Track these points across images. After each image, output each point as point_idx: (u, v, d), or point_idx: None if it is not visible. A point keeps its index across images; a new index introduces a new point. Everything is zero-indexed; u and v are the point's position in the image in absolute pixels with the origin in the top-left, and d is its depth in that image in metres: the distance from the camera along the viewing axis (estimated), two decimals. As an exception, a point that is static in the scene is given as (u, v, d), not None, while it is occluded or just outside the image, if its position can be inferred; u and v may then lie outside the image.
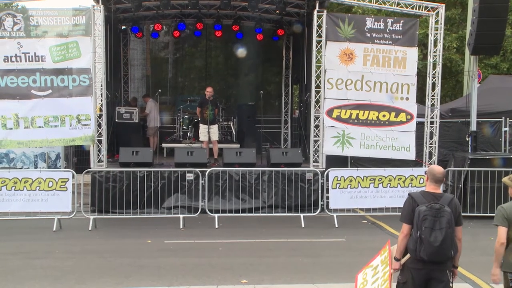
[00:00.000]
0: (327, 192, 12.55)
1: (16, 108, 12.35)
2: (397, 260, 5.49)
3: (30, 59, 12.36)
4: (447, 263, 5.34)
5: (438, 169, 5.59)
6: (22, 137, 12.43)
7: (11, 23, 12.29)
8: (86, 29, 12.45)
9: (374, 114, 13.22)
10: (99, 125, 12.80)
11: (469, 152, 14.32)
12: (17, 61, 12.34)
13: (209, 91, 14.47)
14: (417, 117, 13.42)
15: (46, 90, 12.43)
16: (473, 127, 14.35)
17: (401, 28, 13.17)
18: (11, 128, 12.35)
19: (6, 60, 12.33)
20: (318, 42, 13.15)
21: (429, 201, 5.34)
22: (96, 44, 12.63)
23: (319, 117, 13.27)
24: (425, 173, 5.73)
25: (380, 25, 13.15)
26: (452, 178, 13.31)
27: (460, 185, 12.96)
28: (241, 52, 18.34)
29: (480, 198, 12.68)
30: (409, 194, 5.57)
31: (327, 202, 12.54)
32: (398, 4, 13.42)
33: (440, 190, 5.55)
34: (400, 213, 5.57)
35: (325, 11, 13.14)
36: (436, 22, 13.42)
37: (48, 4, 13.06)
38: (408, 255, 5.41)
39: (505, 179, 5.92)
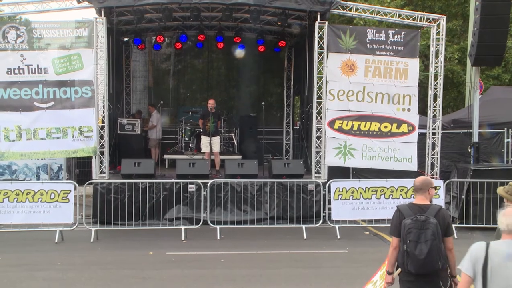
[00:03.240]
0: (329, 203, 12.54)
1: (19, 120, 12.40)
2: (390, 273, 5.47)
3: (33, 71, 12.43)
4: (437, 274, 5.28)
5: (417, 179, 5.59)
6: (24, 149, 12.48)
7: (15, 35, 12.36)
8: (89, 41, 12.52)
9: (375, 125, 13.23)
10: (101, 137, 12.83)
11: (471, 163, 14.31)
12: (20, 73, 12.40)
13: (211, 103, 14.48)
14: (419, 128, 13.42)
15: (49, 102, 12.48)
16: (475, 138, 14.35)
17: (402, 40, 13.21)
18: (13, 140, 12.40)
19: (9, 73, 12.40)
20: (320, 53, 13.19)
21: (415, 213, 5.32)
22: (99, 56, 12.68)
23: (320, 128, 13.27)
24: None
25: (381, 37, 13.20)
26: (455, 189, 13.28)
27: (463, 196, 12.94)
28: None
29: (482, 209, 12.61)
30: (396, 207, 5.57)
31: (329, 213, 12.52)
32: (400, 15, 13.49)
33: (428, 201, 5.52)
34: None
35: (326, 22, 13.18)
36: (438, 33, 13.45)
37: (51, 16, 13.13)
38: (400, 269, 5.40)
39: (500, 191, 5.70)
